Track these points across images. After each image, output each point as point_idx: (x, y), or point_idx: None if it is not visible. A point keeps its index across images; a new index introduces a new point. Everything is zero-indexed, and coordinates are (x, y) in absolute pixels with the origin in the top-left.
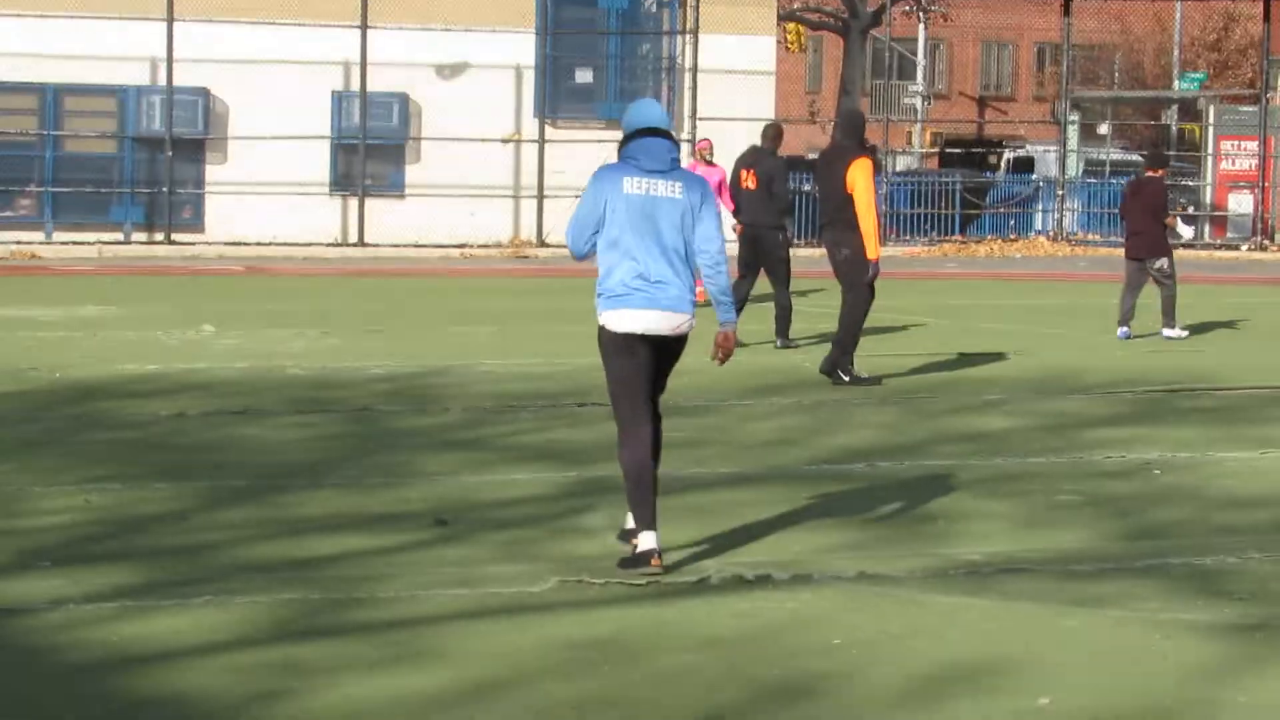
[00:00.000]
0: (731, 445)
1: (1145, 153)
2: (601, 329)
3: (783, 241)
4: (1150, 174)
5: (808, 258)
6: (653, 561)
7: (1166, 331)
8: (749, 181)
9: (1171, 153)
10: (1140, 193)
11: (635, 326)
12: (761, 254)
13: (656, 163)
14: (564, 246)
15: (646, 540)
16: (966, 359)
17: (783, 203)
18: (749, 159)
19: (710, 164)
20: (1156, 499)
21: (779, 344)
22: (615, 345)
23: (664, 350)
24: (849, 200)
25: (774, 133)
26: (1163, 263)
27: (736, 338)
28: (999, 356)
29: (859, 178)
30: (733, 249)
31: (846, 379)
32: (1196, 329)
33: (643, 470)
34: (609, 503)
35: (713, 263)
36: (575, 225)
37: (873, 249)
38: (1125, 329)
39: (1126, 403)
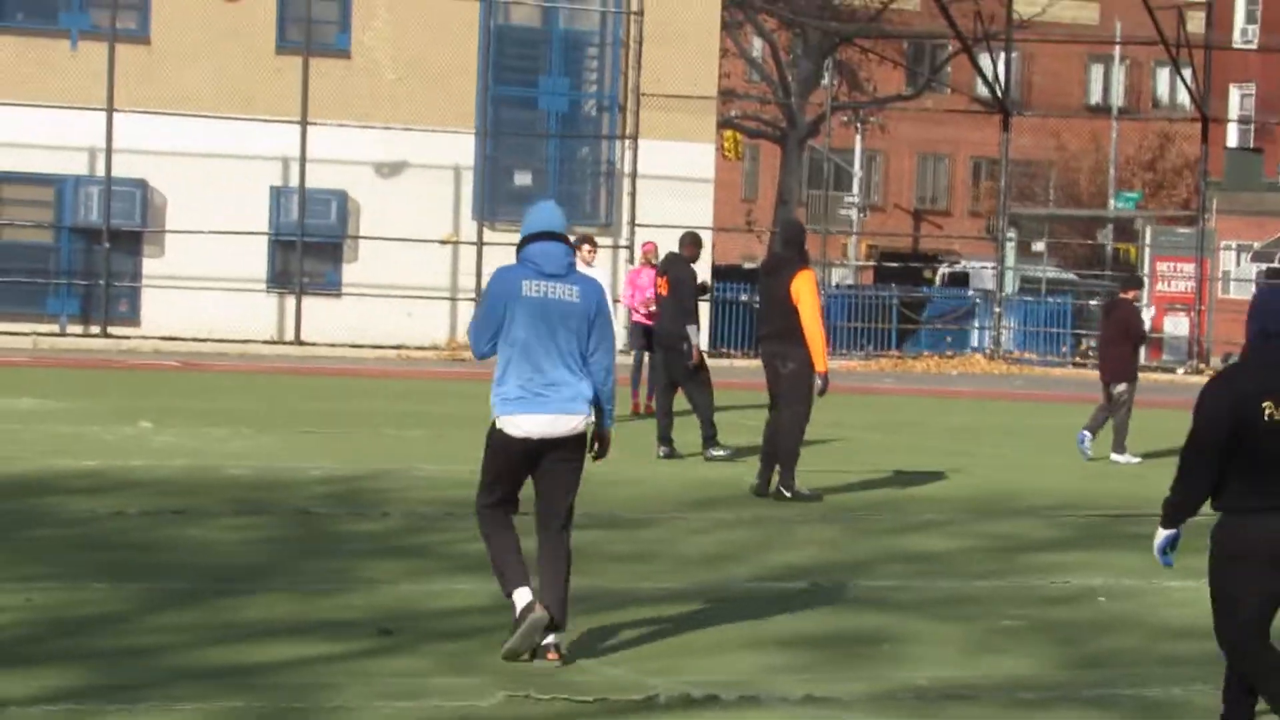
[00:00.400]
0: (675, 559)
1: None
2: (493, 429)
3: (688, 350)
4: (1123, 296)
5: (745, 369)
6: (549, 655)
7: (1115, 456)
8: (663, 289)
9: (1107, 272)
10: (1110, 314)
11: (530, 430)
12: (671, 363)
13: (554, 266)
14: None
15: (522, 596)
16: (906, 476)
17: (688, 311)
18: (664, 266)
19: (654, 266)
20: (1102, 627)
21: (706, 455)
22: (503, 445)
23: (559, 449)
24: (793, 311)
25: (689, 240)
26: (1123, 388)
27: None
28: (938, 475)
29: (804, 289)
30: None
31: (789, 494)
32: (1137, 453)
33: (507, 551)
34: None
35: (602, 373)
36: (476, 327)
37: (821, 361)
38: (1086, 434)
39: (1069, 526)
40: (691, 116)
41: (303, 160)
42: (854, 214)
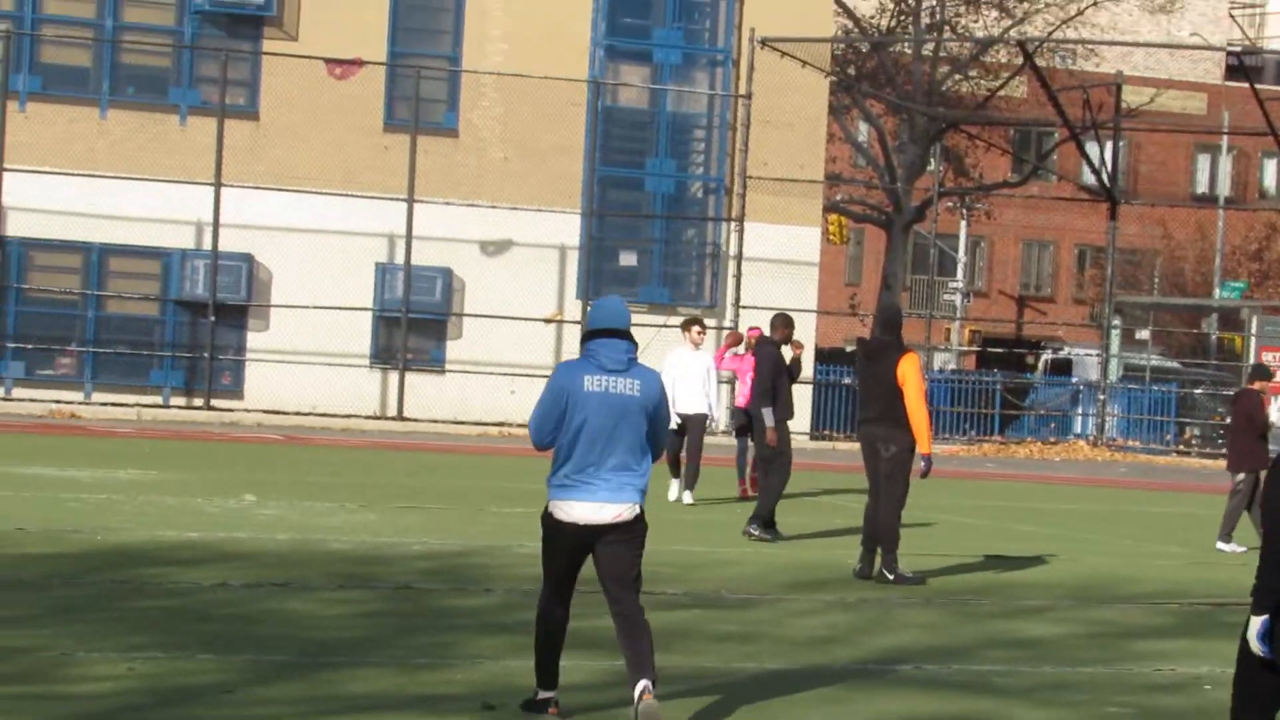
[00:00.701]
0: (778, 641)
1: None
2: (546, 513)
3: (768, 430)
4: (1249, 387)
5: (847, 451)
6: (550, 710)
7: (1221, 544)
8: (751, 370)
9: (1212, 361)
10: (1236, 404)
11: (578, 516)
12: (754, 438)
13: (615, 362)
14: None
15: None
16: (1009, 561)
17: (764, 392)
18: (753, 347)
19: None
20: (1208, 715)
21: (746, 530)
22: (555, 529)
23: (611, 533)
24: (898, 394)
25: (778, 322)
26: (1241, 477)
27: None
28: (1041, 560)
29: (910, 372)
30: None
31: (892, 577)
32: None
33: (555, 634)
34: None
35: (657, 448)
36: (537, 418)
37: (926, 444)
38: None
39: (1174, 614)
40: (797, 200)
41: (409, 237)
42: (958, 299)
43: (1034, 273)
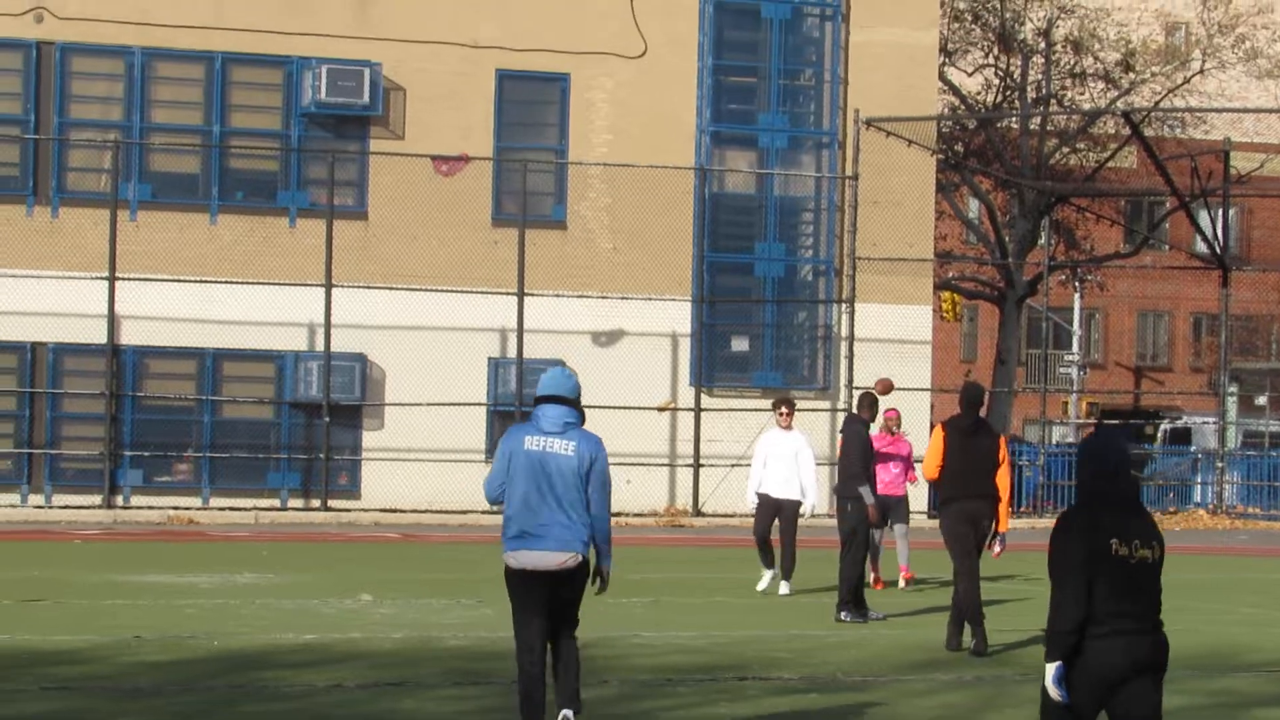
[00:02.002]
0: None
1: None
2: (505, 565)
3: (851, 511)
4: None
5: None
6: None
7: None
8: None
9: None
10: None
11: (527, 564)
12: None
13: (551, 425)
14: (721, 515)
15: None
16: None
17: (854, 475)
18: (842, 427)
19: (895, 435)
20: None
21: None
22: (512, 579)
23: (559, 582)
24: (993, 473)
25: (866, 402)
26: None
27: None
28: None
29: (1005, 452)
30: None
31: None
32: None
33: (532, 685)
34: None
35: (595, 518)
36: (491, 477)
37: (1007, 521)
38: None
39: None
40: (908, 279)
41: (520, 331)
42: (1074, 372)
43: (1150, 342)
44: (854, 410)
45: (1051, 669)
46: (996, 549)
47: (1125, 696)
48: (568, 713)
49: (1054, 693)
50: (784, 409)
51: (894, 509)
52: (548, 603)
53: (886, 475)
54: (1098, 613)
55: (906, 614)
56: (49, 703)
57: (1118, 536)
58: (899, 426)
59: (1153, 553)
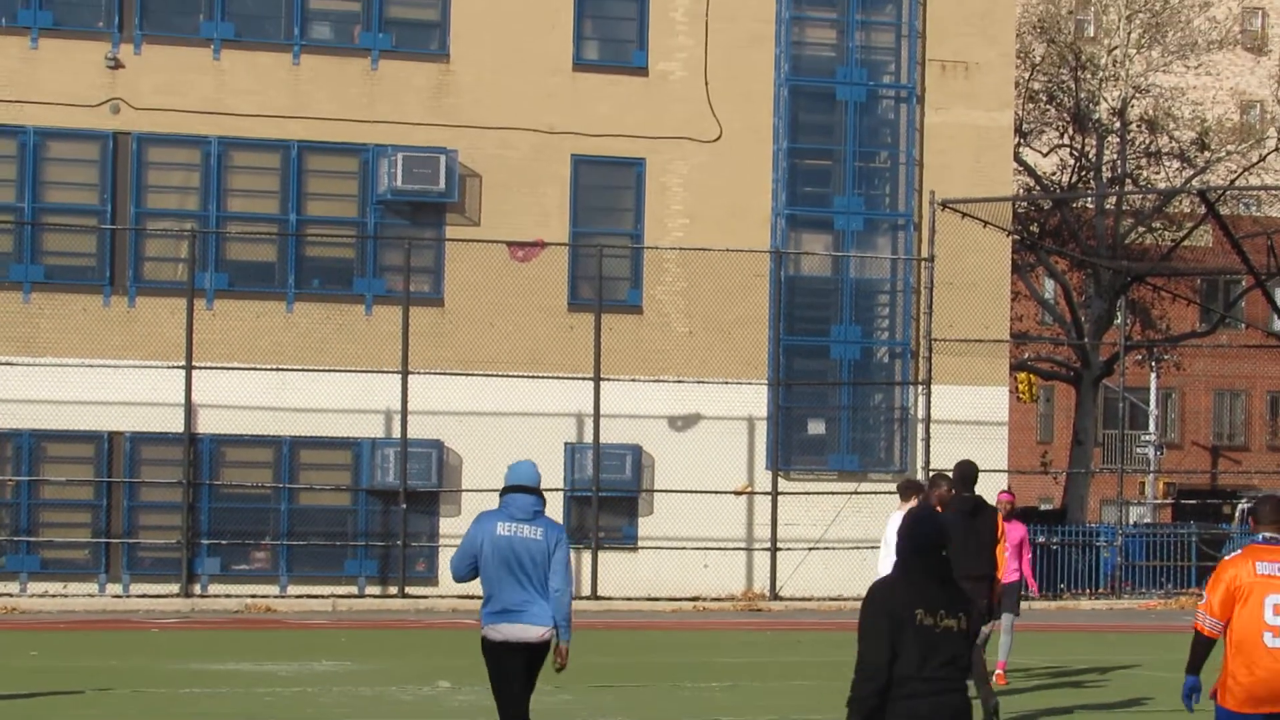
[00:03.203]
0: None
1: None
2: (482, 638)
3: None
4: None
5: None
6: None
7: None
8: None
9: None
10: None
11: (510, 637)
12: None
13: (521, 512)
14: (798, 599)
15: None
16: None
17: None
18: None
19: (1011, 520)
20: None
21: None
22: (489, 652)
23: (529, 654)
24: (991, 550)
25: (941, 482)
26: None
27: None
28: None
29: (1003, 528)
30: None
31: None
32: None
33: None
34: None
35: (559, 596)
36: (458, 556)
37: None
38: None
39: None
40: (984, 360)
41: (596, 416)
42: (1151, 452)
43: (1226, 422)
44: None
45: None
46: (988, 627)
47: None
48: None
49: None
50: (919, 497)
51: (1004, 596)
52: (523, 673)
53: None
54: (905, 677)
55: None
56: None
57: (923, 607)
58: (1013, 510)
59: (958, 622)
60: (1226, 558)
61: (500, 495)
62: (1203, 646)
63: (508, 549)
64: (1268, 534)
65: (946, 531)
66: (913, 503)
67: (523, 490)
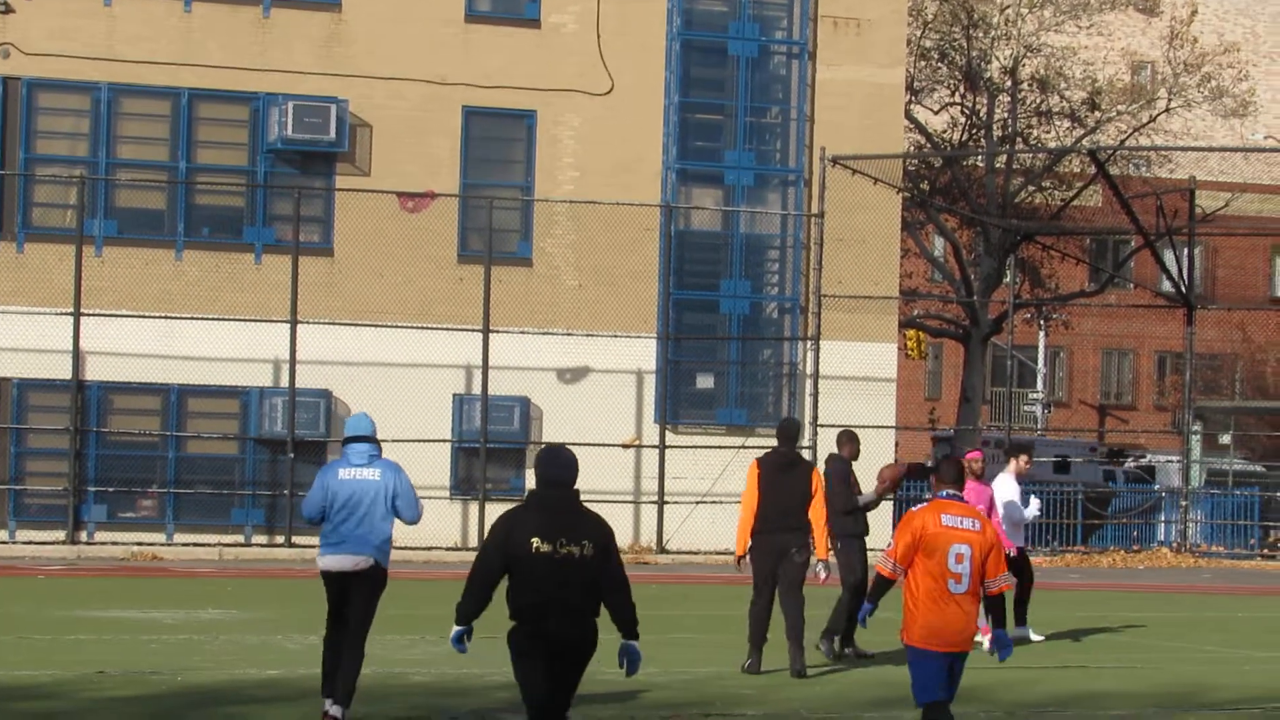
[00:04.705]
0: None
1: None
2: (319, 567)
3: (842, 549)
4: None
5: None
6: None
7: None
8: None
9: None
10: None
11: (333, 566)
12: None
13: (359, 458)
14: (685, 552)
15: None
16: (1092, 672)
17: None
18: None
19: (980, 480)
20: None
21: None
22: (325, 576)
23: (359, 580)
24: (808, 504)
25: (845, 439)
26: None
27: None
28: (1125, 669)
29: (820, 483)
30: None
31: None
32: None
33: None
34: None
35: (410, 513)
36: (308, 502)
37: (824, 549)
38: None
39: None
40: (873, 317)
41: (485, 368)
42: (1039, 410)
43: (1114, 381)
44: (836, 449)
45: (453, 630)
46: (823, 575)
47: (555, 670)
48: (336, 710)
49: (455, 648)
50: (1024, 458)
51: None
52: (344, 600)
53: None
54: (522, 601)
55: (885, 651)
56: None
57: (541, 535)
58: (982, 469)
59: (581, 550)
60: (913, 509)
61: (342, 445)
62: (883, 585)
63: (349, 491)
64: (949, 491)
65: (574, 468)
66: (1020, 462)
67: (359, 439)
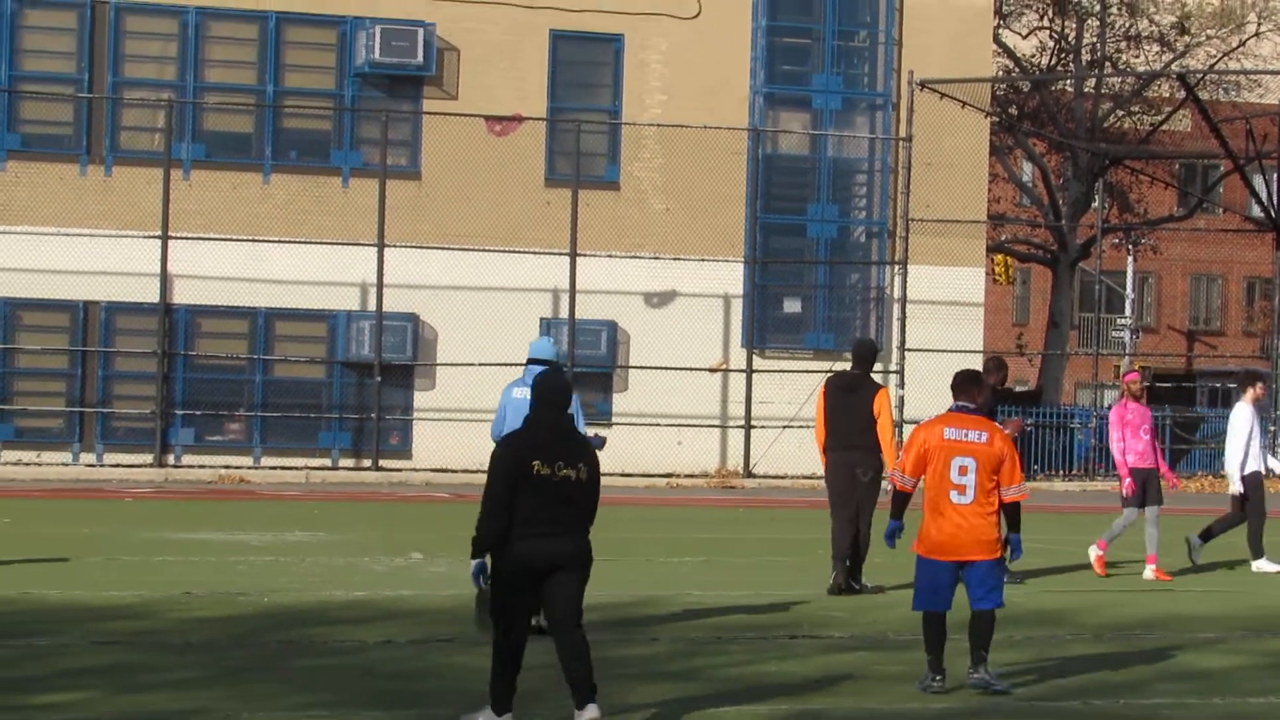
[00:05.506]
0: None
1: None
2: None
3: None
4: None
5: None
6: None
7: None
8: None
9: None
10: None
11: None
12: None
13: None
14: (772, 477)
15: None
16: (1179, 596)
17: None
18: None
19: (1139, 400)
20: None
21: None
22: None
23: None
24: (873, 424)
25: (993, 366)
26: None
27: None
28: (1213, 593)
29: (885, 406)
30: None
31: (859, 587)
32: None
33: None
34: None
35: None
36: (496, 420)
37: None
38: None
39: None
40: (961, 241)
41: (572, 291)
42: (1126, 336)
43: (1203, 306)
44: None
45: (473, 564)
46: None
47: (550, 586)
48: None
49: (475, 583)
50: (1260, 385)
51: (1150, 484)
52: None
53: (1139, 445)
54: (525, 519)
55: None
56: (100, 657)
57: (540, 458)
58: (1141, 390)
59: (577, 473)
60: (922, 423)
61: (524, 366)
62: (900, 499)
63: (521, 409)
64: (960, 403)
65: (569, 393)
66: (1257, 390)
67: (538, 362)
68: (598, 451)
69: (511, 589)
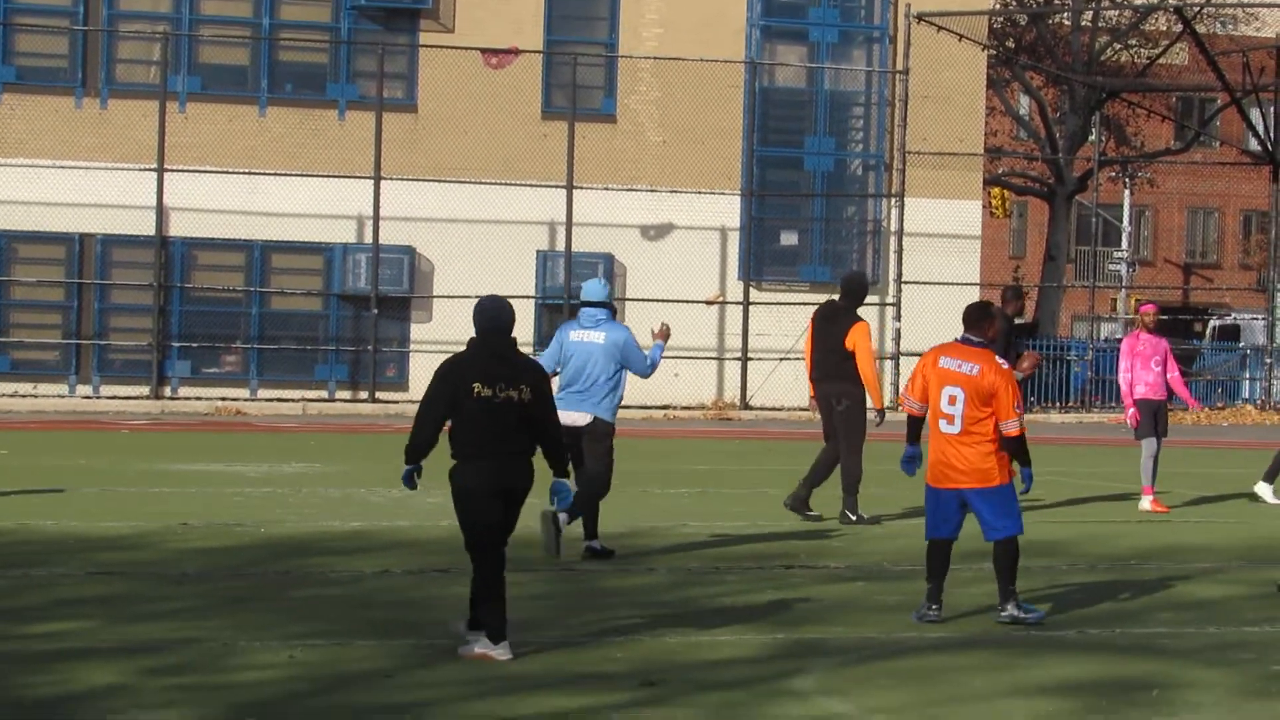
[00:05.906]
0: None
1: None
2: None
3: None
4: None
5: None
6: None
7: None
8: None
9: None
10: None
11: (570, 421)
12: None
13: (589, 321)
14: (768, 409)
15: None
16: (1175, 526)
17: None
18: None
19: (1154, 332)
20: None
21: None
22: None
23: (584, 433)
24: (848, 356)
25: (1011, 295)
26: None
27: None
28: (1209, 523)
29: (860, 339)
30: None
31: (853, 519)
32: None
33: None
34: (818, 666)
35: (637, 368)
36: (546, 355)
37: (878, 399)
38: None
39: None
40: (958, 174)
41: (569, 224)
42: (1123, 269)
43: (1199, 240)
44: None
45: (403, 470)
46: (878, 424)
47: (495, 508)
48: (563, 517)
49: (406, 485)
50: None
51: (1160, 416)
52: (577, 452)
53: (1150, 376)
54: (467, 441)
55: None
56: (96, 587)
57: (481, 380)
58: (1155, 322)
59: (519, 394)
60: (928, 351)
61: (578, 309)
62: (914, 423)
63: (572, 352)
64: (967, 334)
65: (510, 316)
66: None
67: (591, 304)
68: (669, 329)
69: (466, 510)
